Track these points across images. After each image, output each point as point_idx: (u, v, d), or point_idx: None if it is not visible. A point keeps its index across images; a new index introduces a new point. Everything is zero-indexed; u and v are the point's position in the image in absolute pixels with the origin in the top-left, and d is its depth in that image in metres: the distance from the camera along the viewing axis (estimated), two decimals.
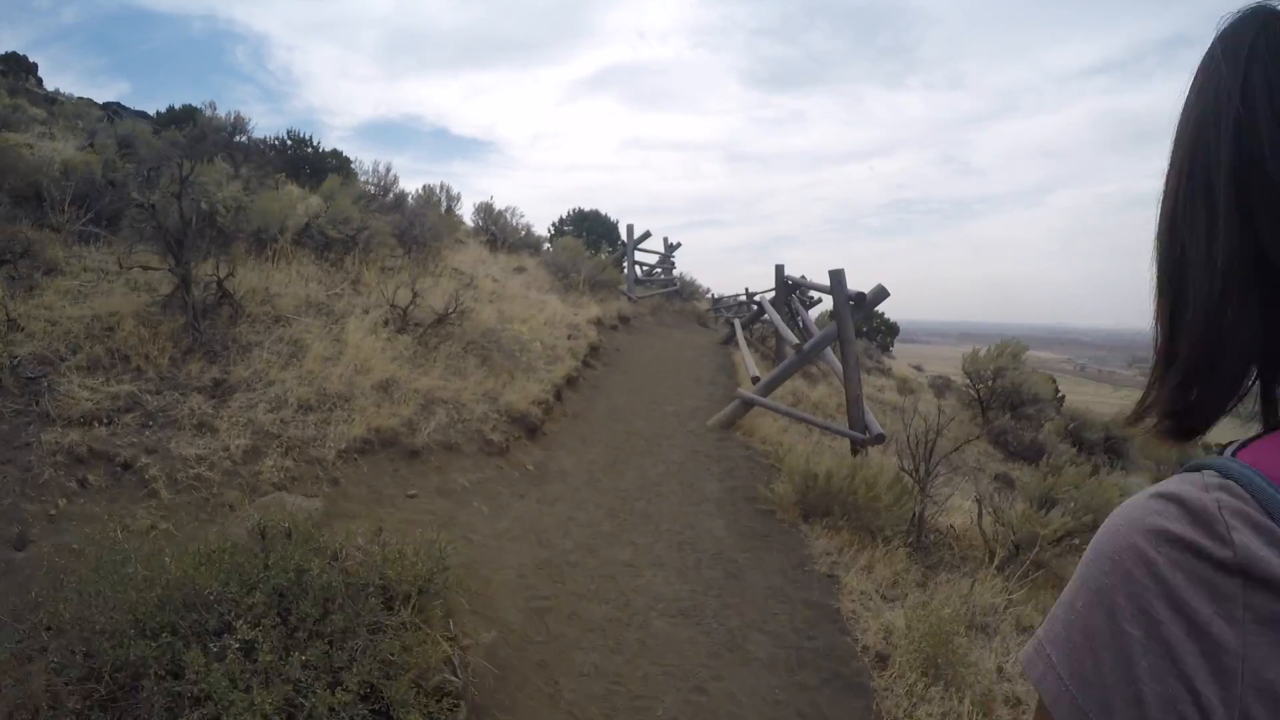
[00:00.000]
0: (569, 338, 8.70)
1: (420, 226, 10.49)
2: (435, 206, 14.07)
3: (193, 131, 11.03)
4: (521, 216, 16.24)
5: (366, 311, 6.91)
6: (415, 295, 7.15)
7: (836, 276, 6.46)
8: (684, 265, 45.64)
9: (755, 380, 6.72)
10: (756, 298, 22.63)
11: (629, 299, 13.95)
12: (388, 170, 15.80)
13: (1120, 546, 0.38)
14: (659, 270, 17.44)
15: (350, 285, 7.75)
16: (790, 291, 10.76)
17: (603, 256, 15.69)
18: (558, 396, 6.82)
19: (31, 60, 16.92)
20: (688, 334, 13.96)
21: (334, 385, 5.10)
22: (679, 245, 18.62)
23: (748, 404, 6.74)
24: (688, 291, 19.36)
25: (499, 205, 15.86)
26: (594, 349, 9.02)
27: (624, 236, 15.99)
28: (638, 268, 16.17)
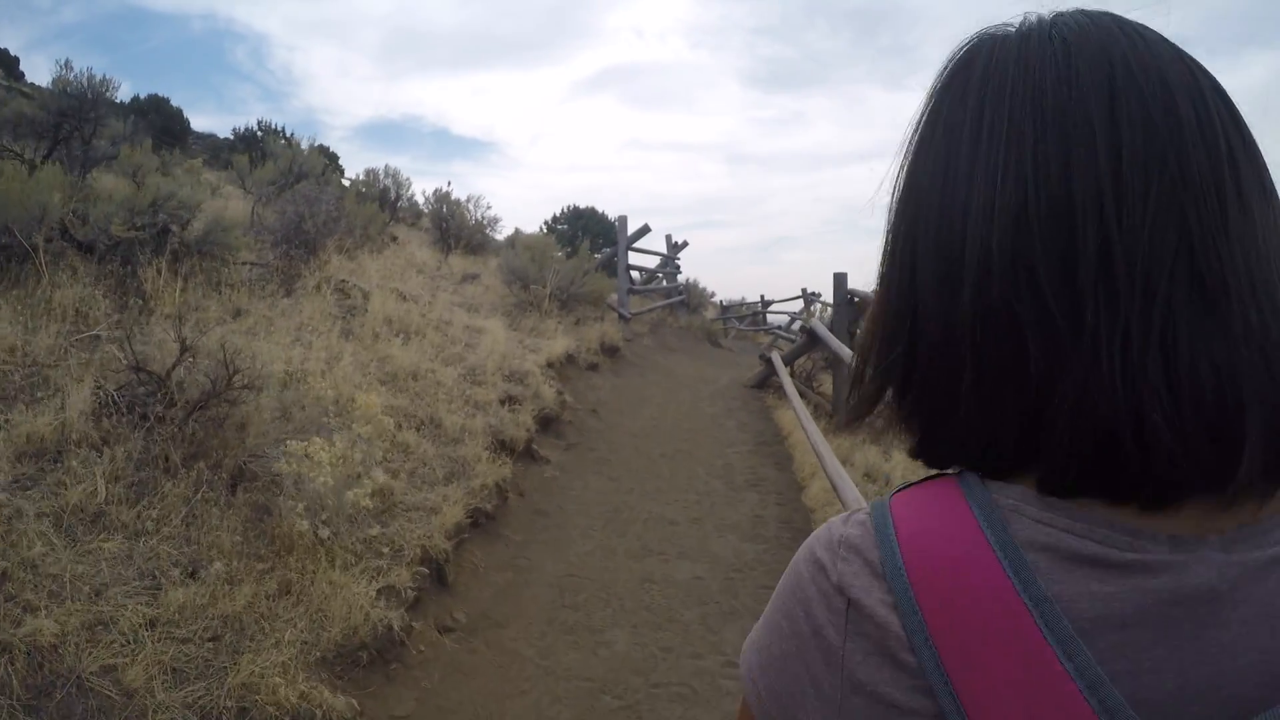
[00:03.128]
0: (503, 403, 4.98)
1: (312, 219, 6.90)
2: (365, 195, 10.38)
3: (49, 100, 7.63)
4: (488, 208, 12.42)
5: (100, 385, 3.28)
6: (185, 346, 3.48)
7: None
8: (688, 268, 41.28)
9: None
10: (773, 306, 18.74)
11: (621, 316, 10.17)
12: (302, 141, 12.13)
13: (798, 556, 0.45)
14: (660, 276, 13.56)
15: (137, 315, 4.13)
16: (860, 313, 7.07)
17: (596, 257, 11.47)
18: (437, 577, 3.12)
19: (13, 55, 16.23)
20: (699, 363, 10.21)
21: None
22: (685, 244, 14.77)
23: None
24: (695, 300, 15.58)
25: (460, 194, 12.14)
26: (548, 422, 5.30)
27: (619, 234, 11.81)
28: (634, 273, 12.28)
